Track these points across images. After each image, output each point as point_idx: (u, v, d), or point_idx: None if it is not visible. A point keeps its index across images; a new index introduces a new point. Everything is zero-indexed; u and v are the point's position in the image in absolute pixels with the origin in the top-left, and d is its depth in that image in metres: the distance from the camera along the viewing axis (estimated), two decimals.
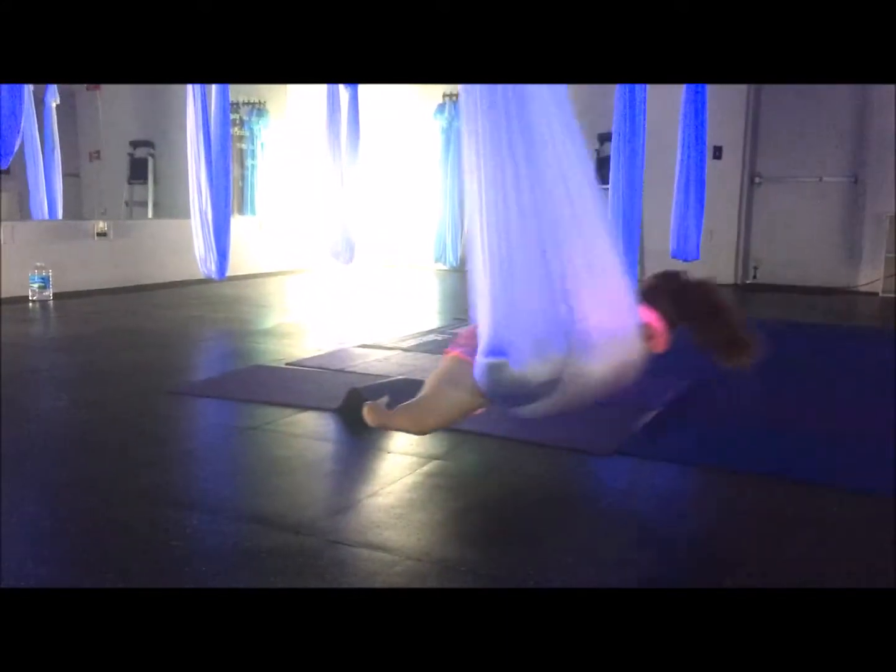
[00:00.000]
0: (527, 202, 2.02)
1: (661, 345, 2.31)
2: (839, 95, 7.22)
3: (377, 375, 3.50)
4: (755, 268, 7.85)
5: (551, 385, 2.03)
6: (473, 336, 2.15)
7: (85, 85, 9.02)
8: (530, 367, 2.02)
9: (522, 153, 2.04)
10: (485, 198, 2.11)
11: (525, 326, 2.03)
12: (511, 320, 2.04)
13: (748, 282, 7.82)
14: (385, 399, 2.30)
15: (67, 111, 8.45)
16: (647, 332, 2.23)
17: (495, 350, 2.05)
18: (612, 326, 2.08)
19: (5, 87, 5.19)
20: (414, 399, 2.18)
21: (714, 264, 7.65)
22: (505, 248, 2.03)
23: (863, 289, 7.28)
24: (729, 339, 2.30)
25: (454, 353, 2.21)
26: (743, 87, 7.52)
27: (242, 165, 9.01)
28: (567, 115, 2.04)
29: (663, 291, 2.36)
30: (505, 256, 2.03)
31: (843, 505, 2.17)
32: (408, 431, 2.30)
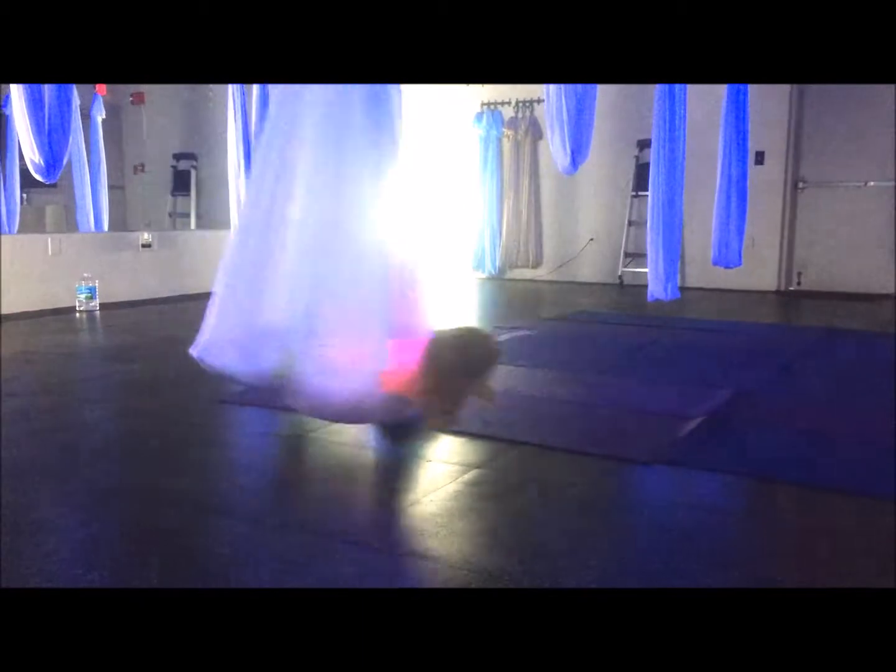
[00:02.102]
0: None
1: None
2: (884, 98, 7.09)
3: None
4: (799, 274, 7.74)
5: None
6: None
7: (130, 99, 9.21)
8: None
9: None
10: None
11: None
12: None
13: (791, 289, 7.71)
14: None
15: (112, 125, 8.62)
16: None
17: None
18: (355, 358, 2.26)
19: (54, 102, 5.32)
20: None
21: (756, 271, 7.56)
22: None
23: None
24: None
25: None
26: (785, 91, 7.43)
27: None
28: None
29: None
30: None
31: (888, 516, 2.12)
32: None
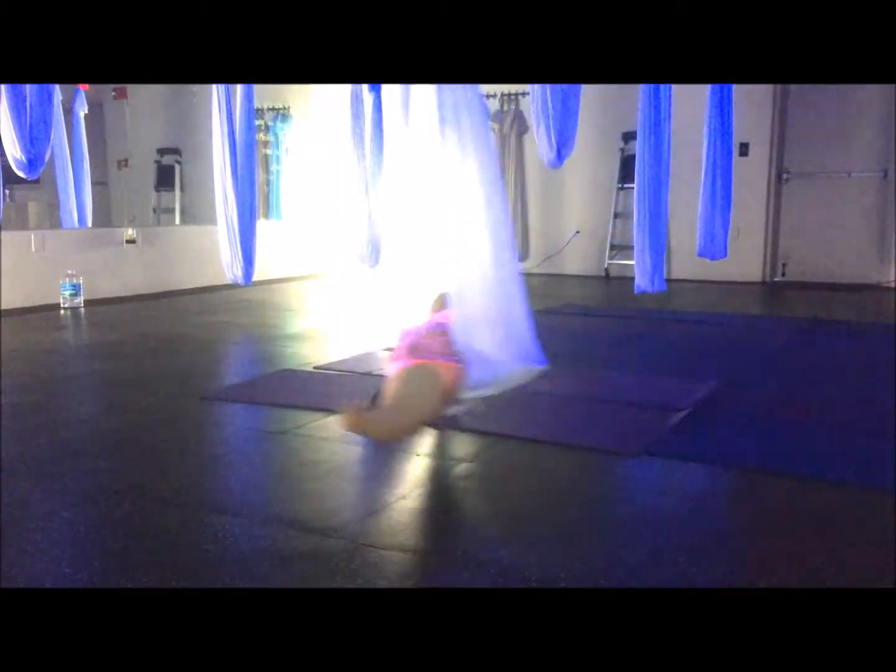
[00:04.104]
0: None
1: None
2: (868, 89, 7.12)
3: None
4: (783, 265, 7.77)
5: None
6: (442, 344, 2.47)
7: (112, 93, 9.14)
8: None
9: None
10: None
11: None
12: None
13: (776, 279, 7.74)
14: (365, 400, 2.32)
15: (95, 120, 8.55)
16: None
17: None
18: None
19: (35, 97, 5.27)
20: (390, 405, 2.29)
21: (742, 262, 7.59)
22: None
23: (894, 285, 7.18)
24: None
25: (419, 361, 2.43)
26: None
27: (267, 171, 9.07)
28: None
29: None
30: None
31: (874, 505, 2.14)
32: (379, 436, 2.35)
